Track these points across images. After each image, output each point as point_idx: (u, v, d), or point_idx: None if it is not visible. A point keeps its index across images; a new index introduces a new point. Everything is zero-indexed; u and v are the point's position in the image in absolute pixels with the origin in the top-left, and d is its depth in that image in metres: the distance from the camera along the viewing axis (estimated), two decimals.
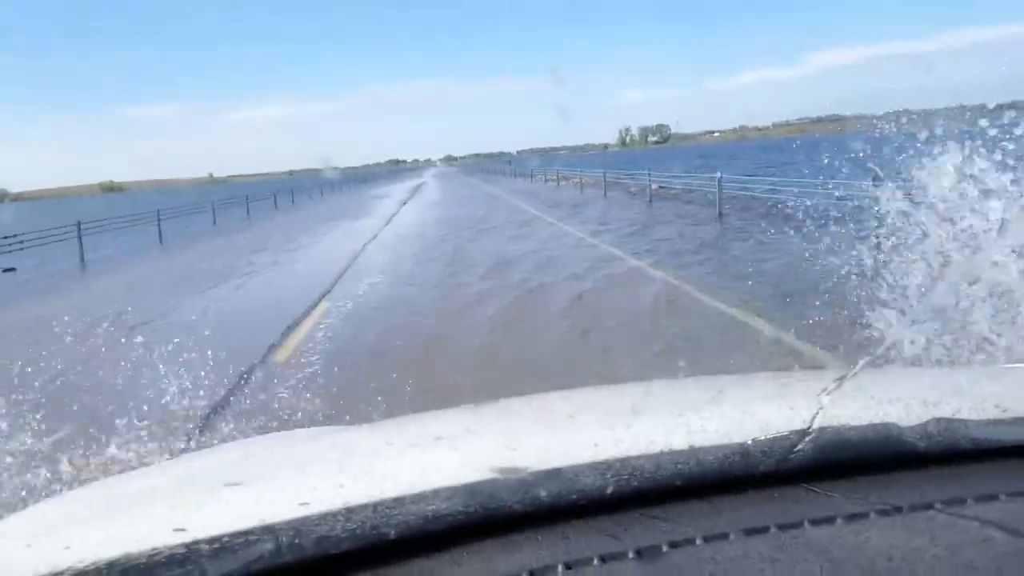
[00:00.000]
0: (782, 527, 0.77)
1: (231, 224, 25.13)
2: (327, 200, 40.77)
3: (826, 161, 5.05)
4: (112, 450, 3.66)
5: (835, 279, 3.79)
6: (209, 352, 5.47)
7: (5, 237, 16.14)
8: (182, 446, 3.81)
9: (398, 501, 0.78)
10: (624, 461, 0.84)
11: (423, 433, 0.98)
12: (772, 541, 0.75)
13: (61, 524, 0.85)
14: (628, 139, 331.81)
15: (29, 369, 5.38)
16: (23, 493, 2.88)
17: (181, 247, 18.38)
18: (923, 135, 2.81)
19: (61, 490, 2.74)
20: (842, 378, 1.00)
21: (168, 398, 4.62)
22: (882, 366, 1.63)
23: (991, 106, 2.86)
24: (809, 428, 0.89)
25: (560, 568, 0.72)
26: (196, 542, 0.72)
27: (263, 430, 4.05)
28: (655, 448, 0.86)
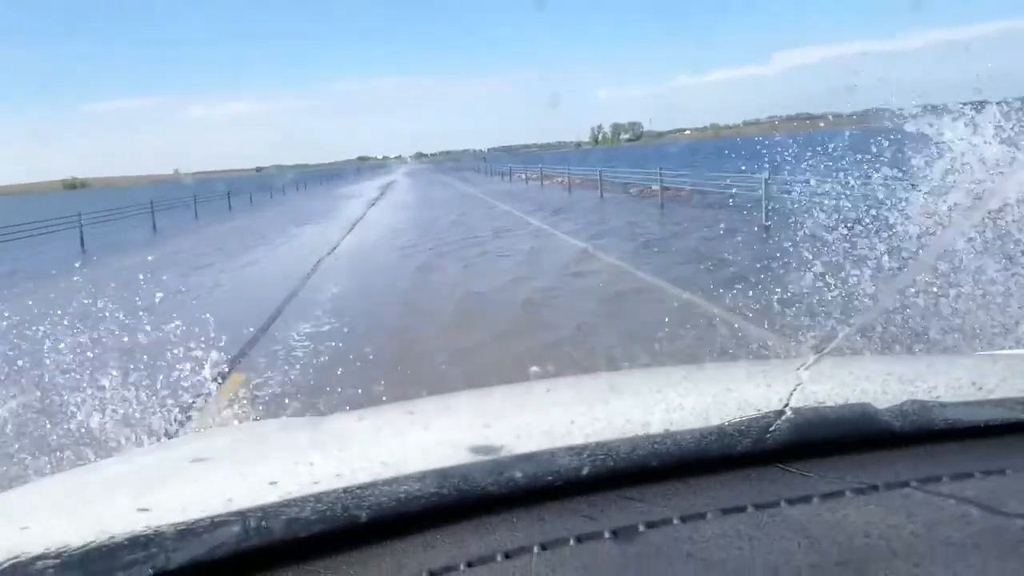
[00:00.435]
0: (759, 506, 0.79)
1: (171, 228, 21.73)
2: (289, 200, 37.34)
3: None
4: None
5: None
6: None
7: None
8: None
9: (370, 483, 0.77)
10: (600, 443, 0.84)
11: (397, 416, 0.95)
12: (749, 520, 0.76)
13: (24, 511, 0.82)
14: (601, 137, 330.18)
15: None
16: None
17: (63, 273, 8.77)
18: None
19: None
20: (819, 356, 1.02)
21: None
22: (860, 350, 1.90)
23: (952, 105, 3.34)
24: (785, 408, 0.90)
25: (535, 549, 0.73)
26: (160, 525, 0.71)
27: None
28: (632, 427, 0.86)
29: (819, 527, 0.74)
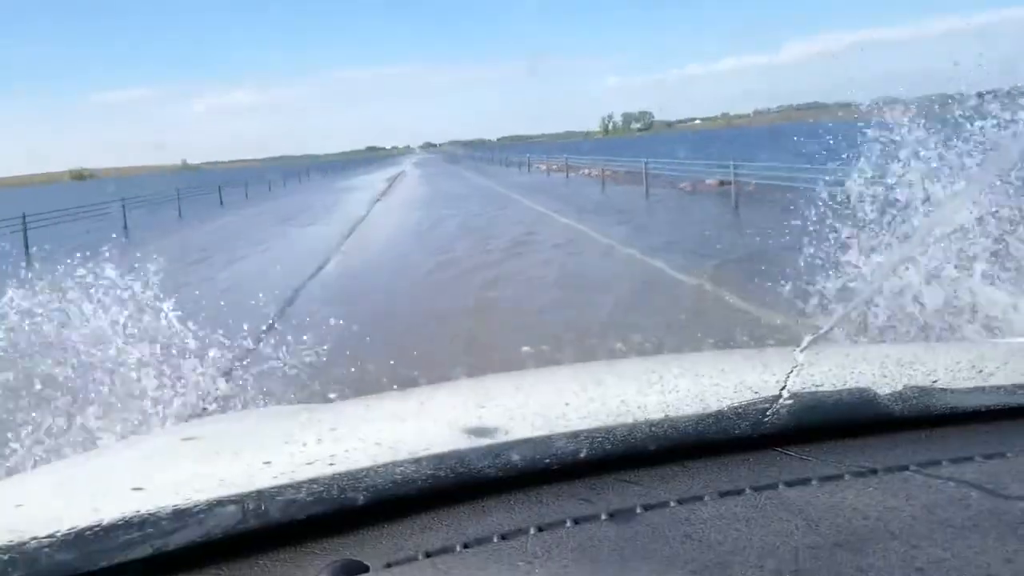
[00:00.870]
0: (757, 489, 0.79)
1: (158, 225, 18.75)
2: (290, 193, 34.05)
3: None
4: None
5: None
6: None
7: None
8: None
9: (367, 467, 0.78)
10: (597, 427, 0.85)
11: (394, 401, 0.96)
12: (747, 502, 0.77)
13: (22, 493, 0.84)
14: (611, 126, 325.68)
15: None
16: None
17: None
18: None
19: None
20: (816, 339, 1.02)
21: None
22: (856, 337, 1.84)
23: (970, 93, 3.30)
24: (783, 391, 0.91)
25: (532, 531, 0.74)
26: (157, 507, 0.71)
27: None
28: (629, 411, 0.87)
29: (817, 509, 0.75)
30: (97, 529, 0.69)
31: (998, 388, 0.97)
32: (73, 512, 0.71)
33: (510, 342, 5.73)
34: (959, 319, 2.89)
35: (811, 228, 4.30)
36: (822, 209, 4.30)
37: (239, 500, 0.73)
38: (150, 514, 0.71)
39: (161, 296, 3.88)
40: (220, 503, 0.73)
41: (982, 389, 0.97)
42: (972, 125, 3.51)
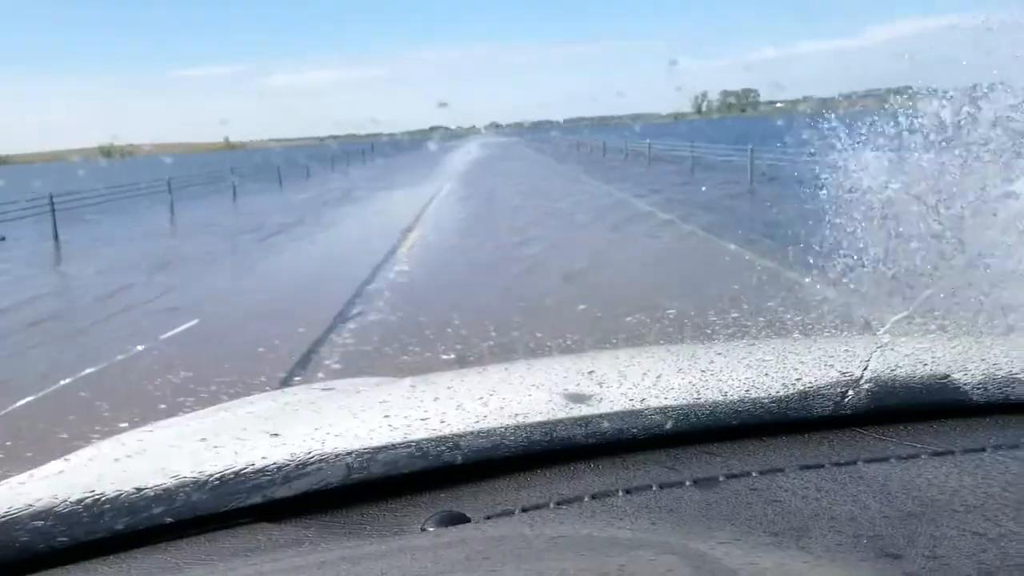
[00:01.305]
0: (836, 465, 0.87)
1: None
2: (302, 191, 28.20)
3: None
4: None
5: None
6: None
7: None
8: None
9: (466, 431, 0.90)
10: (683, 402, 0.96)
11: (490, 371, 1.14)
12: (826, 476, 0.85)
13: (175, 439, 1.01)
14: (704, 106, 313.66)
15: None
16: None
17: None
18: None
19: None
20: (898, 322, 1.19)
21: None
22: (931, 324, 1.82)
23: None
24: (864, 373, 1.00)
25: (620, 493, 0.83)
26: (288, 456, 0.85)
27: None
28: (715, 388, 0.99)
29: (895, 484, 0.81)
30: (227, 473, 0.83)
31: None
32: (217, 456, 0.86)
33: None
34: None
35: None
36: None
37: (357, 453, 0.86)
38: (278, 462, 0.84)
39: None
40: (338, 455, 0.86)
41: None
42: None
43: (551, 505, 0.81)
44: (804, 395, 0.97)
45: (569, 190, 21.23)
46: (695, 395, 0.96)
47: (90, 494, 0.80)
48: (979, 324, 2.34)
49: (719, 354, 1.09)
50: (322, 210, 19.74)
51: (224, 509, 0.83)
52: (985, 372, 1.01)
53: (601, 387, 0.97)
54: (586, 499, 0.82)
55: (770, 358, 1.04)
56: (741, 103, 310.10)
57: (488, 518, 0.81)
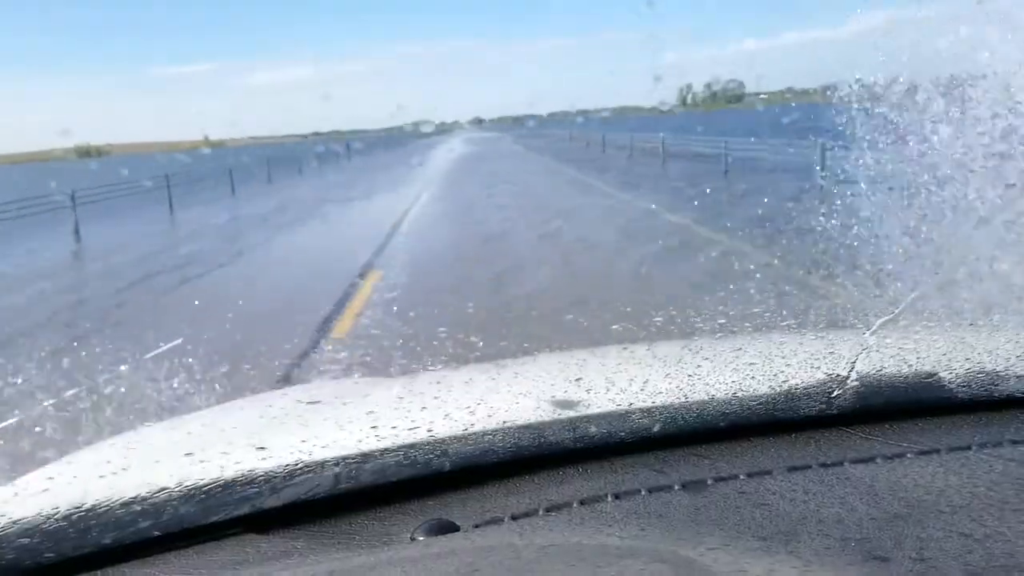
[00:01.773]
0: (824, 466, 0.88)
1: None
2: (267, 194, 24.61)
3: None
4: None
5: None
6: None
7: None
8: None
9: (454, 437, 0.90)
10: (671, 404, 0.96)
11: (479, 375, 1.12)
12: (814, 477, 0.85)
13: (159, 453, 0.98)
14: (690, 99, 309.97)
15: None
16: None
17: None
18: None
19: None
20: (885, 322, 1.13)
21: None
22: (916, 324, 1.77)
23: None
24: (851, 373, 1.01)
25: (609, 498, 0.83)
26: (272, 468, 0.84)
27: None
28: (701, 389, 0.99)
29: (881, 485, 0.82)
30: (214, 486, 0.82)
31: None
32: (203, 469, 0.85)
33: None
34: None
35: None
36: None
37: (344, 462, 0.86)
38: (265, 473, 0.83)
39: None
40: (325, 464, 0.85)
41: None
42: None
43: (540, 512, 0.83)
44: (791, 396, 0.99)
45: (522, 166, 29.80)
46: (683, 397, 0.98)
47: (76, 509, 0.81)
48: (963, 323, 2.28)
49: (706, 358, 1.11)
50: (257, 236, 14.57)
51: (212, 521, 0.83)
52: (969, 370, 1.04)
53: (589, 393, 0.99)
54: (575, 505, 0.83)
55: (757, 360, 1.06)
56: (727, 95, 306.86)
57: (477, 526, 0.82)
